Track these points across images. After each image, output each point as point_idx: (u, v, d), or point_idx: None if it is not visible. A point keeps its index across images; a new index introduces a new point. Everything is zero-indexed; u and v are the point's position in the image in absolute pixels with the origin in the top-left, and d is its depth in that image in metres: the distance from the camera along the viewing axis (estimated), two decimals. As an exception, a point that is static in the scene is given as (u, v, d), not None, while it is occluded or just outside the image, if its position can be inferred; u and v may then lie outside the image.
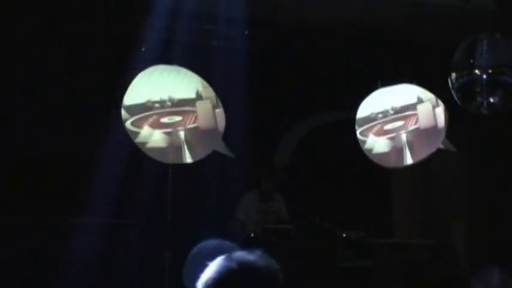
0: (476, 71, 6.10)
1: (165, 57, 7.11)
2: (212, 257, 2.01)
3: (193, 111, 6.99)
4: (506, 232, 8.55)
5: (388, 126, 7.75)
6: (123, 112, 6.78)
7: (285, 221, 7.90)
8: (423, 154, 7.67)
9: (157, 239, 7.15)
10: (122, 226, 7.27)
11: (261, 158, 8.40)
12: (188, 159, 6.95)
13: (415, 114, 7.68)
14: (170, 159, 6.93)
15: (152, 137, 6.84)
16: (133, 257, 6.99)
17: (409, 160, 7.69)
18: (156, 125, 6.88)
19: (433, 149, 7.61)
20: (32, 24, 6.99)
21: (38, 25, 7.00)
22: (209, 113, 7.01)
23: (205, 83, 7.05)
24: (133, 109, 6.83)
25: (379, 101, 7.79)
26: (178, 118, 6.96)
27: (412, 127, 7.68)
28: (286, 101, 8.64)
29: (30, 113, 7.26)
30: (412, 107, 7.69)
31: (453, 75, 6.28)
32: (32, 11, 6.97)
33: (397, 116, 7.72)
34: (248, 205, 7.87)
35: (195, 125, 6.99)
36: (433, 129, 7.60)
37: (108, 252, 6.96)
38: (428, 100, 7.66)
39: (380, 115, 7.75)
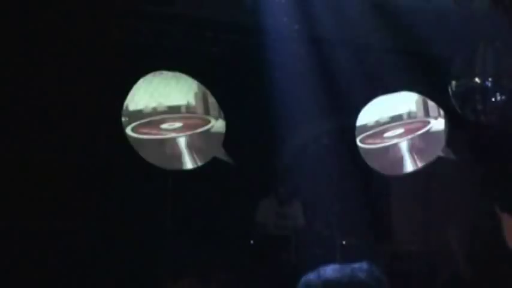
0: (476, 79, 6.11)
1: (166, 63, 7.13)
2: None
3: (194, 118, 7.01)
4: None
5: (388, 134, 7.77)
6: (124, 118, 6.79)
7: (302, 227, 7.92)
8: (423, 162, 7.68)
9: (158, 245, 7.15)
10: (120, 231, 7.27)
11: (266, 163, 8.44)
12: (188, 165, 6.96)
13: (415, 122, 7.70)
14: (170, 166, 6.93)
15: (152, 143, 6.84)
16: (133, 261, 6.99)
17: (409, 168, 7.70)
18: (157, 131, 6.89)
19: (433, 157, 7.63)
20: (33, 27, 7.00)
21: (38, 28, 7.00)
22: (209, 120, 7.04)
23: (205, 89, 7.07)
24: (134, 115, 6.84)
25: (379, 108, 7.80)
26: (178, 124, 6.98)
27: (412, 135, 7.70)
28: (287, 108, 8.64)
29: (28, 116, 7.26)
30: (412, 114, 7.71)
31: (453, 82, 6.29)
32: (32, 13, 6.98)
33: (397, 124, 7.74)
34: (267, 209, 7.92)
35: (195, 131, 7.01)
36: (432, 137, 7.62)
37: (106, 256, 6.96)
38: (428, 108, 7.68)
39: (380, 122, 7.77)
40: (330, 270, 1.96)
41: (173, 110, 6.97)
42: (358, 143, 7.74)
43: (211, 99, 7.09)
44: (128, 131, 6.82)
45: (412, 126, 7.72)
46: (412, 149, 7.67)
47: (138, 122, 6.86)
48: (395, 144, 7.73)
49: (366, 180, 8.54)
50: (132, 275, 6.77)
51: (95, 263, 6.85)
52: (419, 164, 7.71)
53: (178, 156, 6.92)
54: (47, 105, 7.29)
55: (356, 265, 1.98)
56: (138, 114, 6.86)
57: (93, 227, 7.16)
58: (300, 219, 8.04)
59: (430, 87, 7.64)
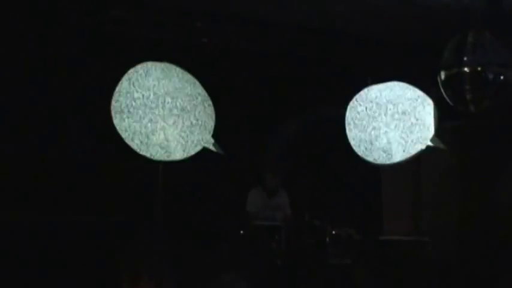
0: (465, 69, 6.11)
1: (155, 54, 7.10)
2: None
3: (183, 108, 6.99)
4: (496, 228, 8.59)
5: (377, 123, 7.77)
6: (113, 109, 6.77)
7: (289, 217, 7.94)
8: (413, 151, 7.69)
9: (147, 237, 7.12)
10: (112, 223, 7.26)
11: (252, 155, 8.44)
12: (178, 156, 6.95)
13: (405, 112, 7.71)
14: (160, 157, 6.92)
15: (142, 134, 6.82)
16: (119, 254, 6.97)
17: (399, 157, 7.71)
18: (146, 122, 6.86)
19: (423, 147, 7.64)
20: (22, 19, 6.96)
21: (27, 20, 6.97)
22: (199, 111, 7.03)
23: (195, 79, 7.06)
24: (123, 106, 6.82)
25: (369, 98, 7.81)
26: (168, 115, 6.96)
27: (401, 124, 7.70)
28: (276, 99, 8.65)
29: (19, 112, 7.24)
30: (402, 104, 7.72)
31: (442, 72, 6.28)
32: (20, 5, 6.94)
33: (387, 113, 7.74)
34: (256, 200, 7.92)
35: (184, 122, 6.99)
36: (422, 127, 7.63)
37: (98, 250, 6.95)
38: (418, 98, 7.70)
39: (370, 112, 7.77)
40: None
41: (163, 101, 6.95)
42: (348, 133, 7.74)
43: (201, 90, 7.08)
44: (117, 122, 6.79)
45: (401, 116, 7.73)
46: (402, 139, 7.68)
47: (127, 114, 6.83)
48: (385, 134, 7.73)
49: (355, 170, 8.55)
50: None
51: (83, 260, 6.84)
52: (410, 154, 7.72)
53: (168, 147, 6.90)
54: (35, 98, 7.26)
55: None
56: (128, 105, 6.84)
57: (85, 219, 7.15)
58: (288, 209, 8.05)
59: (419, 77, 7.65)
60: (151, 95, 6.88)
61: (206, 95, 7.05)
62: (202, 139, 6.99)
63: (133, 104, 6.83)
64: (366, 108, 7.80)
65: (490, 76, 6.03)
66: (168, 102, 6.93)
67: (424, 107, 7.66)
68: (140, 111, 6.82)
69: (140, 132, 6.80)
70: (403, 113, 7.70)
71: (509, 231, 8.41)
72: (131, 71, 6.88)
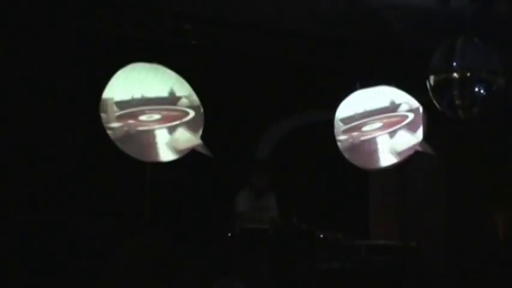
0: (455, 74, 6.13)
1: (145, 55, 7.09)
2: None
3: (172, 110, 6.98)
4: (483, 232, 8.63)
5: (366, 128, 7.79)
6: (102, 110, 6.74)
7: (276, 220, 7.94)
8: (401, 156, 7.71)
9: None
10: (99, 224, 7.24)
11: (244, 155, 8.45)
12: (166, 157, 6.93)
13: (394, 116, 7.73)
14: (148, 158, 6.90)
15: (130, 135, 6.81)
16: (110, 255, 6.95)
17: (387, 162, 7.73)
18: (135, 123, 6.85)
19: (411, 151, 7.65)
20: (13, 19, 6.93)
21: (18, 19, 6.94)
22: (188, 112, 7.03)
23: (184, 81, 7.05)
24: (112, 107, 6.80)
25: (358, 102, 7.82)
26: (157, 116, 6.95)
27: (390, 129, 7.72)
28: (265, 101, 8.65)
29: (9, 111, 7.21)
30: (391, 109, 7.74)
31: (431, 77, 6.30)
32: (11, 4, 6.91)
33: (375, 118, 7.76)
34: (244, 201, 7.92)
35: (173, 123, 6.98)
36: (411, 132, 7.65)
37: (85, 250, 6.93)
38: (407, 102, 7.72)
39: (358, 116, 7.79)
40: None
41: (152, 102, 6.94)
42: (337, 137, 7.75)
43: (190, 92, 7.08)
44: (106, 122, 6.77)
45: (390, 120, 7.75)
46: (391, 144, 7.70)
47: (116, 114, 6.81)
48: (374, 139, 7.75)
49: (343, 173, 8.56)
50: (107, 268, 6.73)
51: (71, 259, 6.83)
52: (398, 159, 7.74)
53: (157, 148, 6.89)
54: (24, 97, 7.24)
55: None
56: (117, 105, 6.82)
57: (71, 218, 7.13)
58: (274, 211, 8.05)
59: (408, 82, 7.67)
60: (141, 95, 6.86)
61: (195, 96, 7.05)
62: (190, 140, 6.98)
63: (123, 104, 6.81)
64: (355, 112, 7.81)
65: (479, 81, 6.06)
66: (157, 103, 6.92)
67: (412, 111, 7.68)
68: (130, 112, 6.81)
69: (129, 132, 6.78)
70: (392, 117, 7.72)
71: (496, 235, 8.45)
72: (120, 71, 6.86)
